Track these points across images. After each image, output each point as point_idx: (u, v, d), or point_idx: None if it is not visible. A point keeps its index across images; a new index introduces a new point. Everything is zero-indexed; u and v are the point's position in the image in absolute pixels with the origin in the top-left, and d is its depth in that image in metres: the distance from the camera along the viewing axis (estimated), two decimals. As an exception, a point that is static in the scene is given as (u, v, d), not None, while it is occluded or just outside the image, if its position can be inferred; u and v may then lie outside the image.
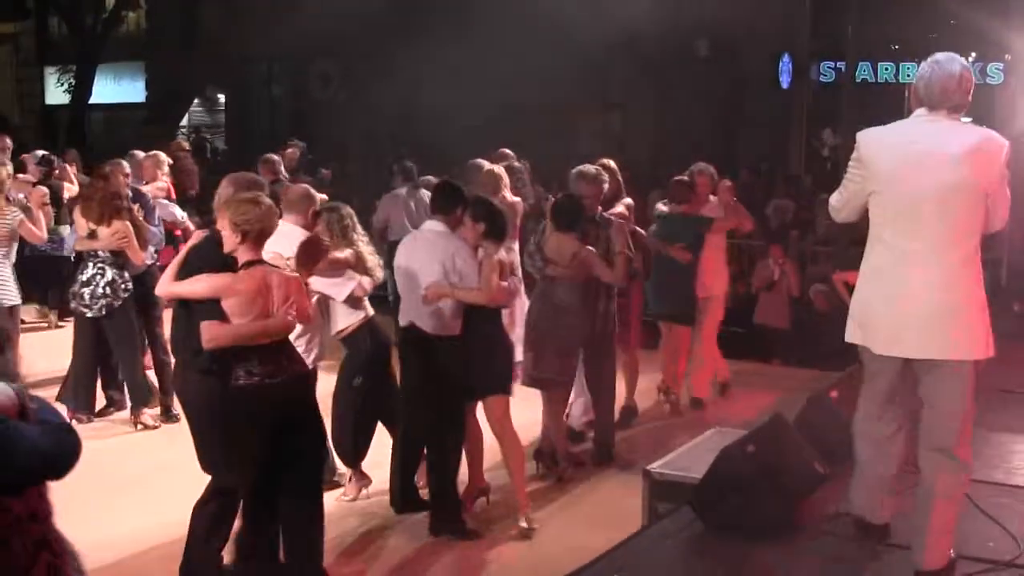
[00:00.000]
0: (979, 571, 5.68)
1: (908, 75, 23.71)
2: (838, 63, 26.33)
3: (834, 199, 5.98)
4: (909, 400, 5.82)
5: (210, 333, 6.19)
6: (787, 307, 14.61)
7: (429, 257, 7.85)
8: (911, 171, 5.51)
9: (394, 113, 24.78)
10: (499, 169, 10.83)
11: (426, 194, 13.81)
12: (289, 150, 15.37)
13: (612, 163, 10.63)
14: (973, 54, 26.18)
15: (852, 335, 5.83)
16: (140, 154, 11.85)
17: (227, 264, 6.33)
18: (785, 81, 27.10)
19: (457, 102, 23.42)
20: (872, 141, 5.70)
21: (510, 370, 8.35)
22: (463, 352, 7.94)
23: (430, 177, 14.35)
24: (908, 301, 5.51)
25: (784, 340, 14.44)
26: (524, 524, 8.01)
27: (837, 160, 24.37)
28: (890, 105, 7.41)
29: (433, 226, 8.03)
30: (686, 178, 11.12)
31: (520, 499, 8.18)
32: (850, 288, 12.19)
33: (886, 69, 26.48)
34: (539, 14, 21.98)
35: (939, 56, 5.68)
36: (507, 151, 12.16)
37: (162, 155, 11.02)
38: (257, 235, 6.29)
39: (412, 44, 23.59)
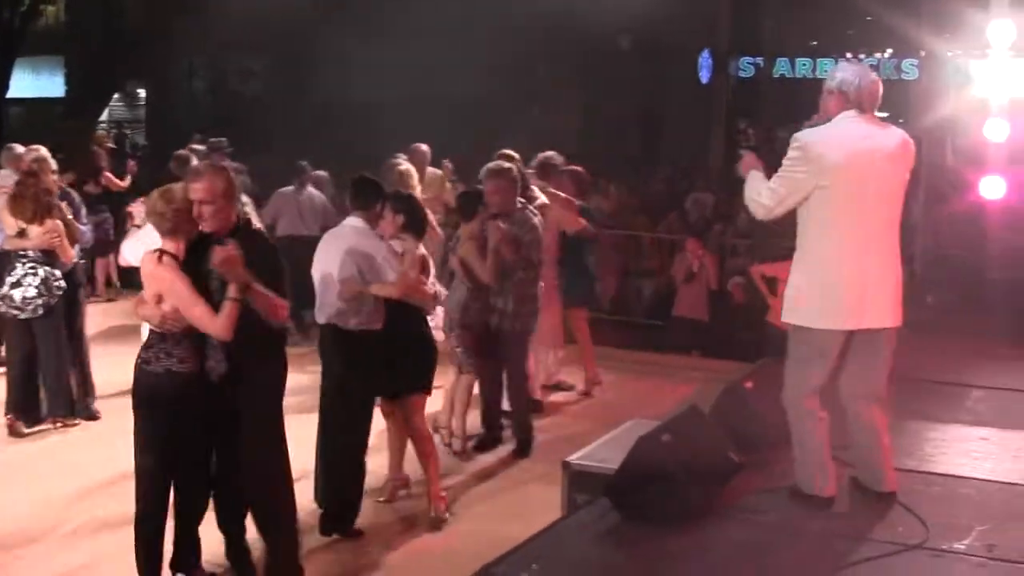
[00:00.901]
0: (888, 553, 5.79)
1: (825, 70, 23.93)
2: (757, 59, 26.58)
3: (767, 199, 6.38)
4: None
5: None
6: (706, 300, 14.73)
7: (345, 253, 7.78)
8: (859, 165, 6.22)
9: (317, 108, 24.67)
10: (411, 168, 10.92)
11: (314, 192, 14.08)
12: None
13: (514, 154, 10.74)
14: (889, 50, 26.52)
15: (804, 319, 6.33)
16: (18, 148, 11.68)
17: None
18: (705, 76, 27.32)
19: (381, 97, 23.37)
20: (819, 141, 6.27)
21: (431, 368, 8.39)
22: (385, 348, 7.90)
23: (321, 172, 14.54)
24: (867, 279, 6.23)
25: (703, 332, 14.56)
26: (434, 515, 8.18)
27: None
28: (808, 100, 7.54)
29: (352, 222, 7.97)
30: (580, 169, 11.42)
31: (433, 492, 8.26)
32: (767, 280, 12.45)
33: (803, 65, 26.72)
34: (463, 8, 22.00)
35: (853, 66, 6.55)
36: (422, 146, 12.18)
37: (42, 151, 10.64)
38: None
39: (335, 38, 23.46)
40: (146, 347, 6.45)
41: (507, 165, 9.81)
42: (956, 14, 15.33)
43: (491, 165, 9.78)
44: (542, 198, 10.50)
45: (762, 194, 6.38)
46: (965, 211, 14.23)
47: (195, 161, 11.38)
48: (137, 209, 9.42)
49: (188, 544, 6.83)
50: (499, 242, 9.25)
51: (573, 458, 7.23)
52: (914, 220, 14.73)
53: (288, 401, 7.01)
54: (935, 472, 7.11)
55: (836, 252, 6.24)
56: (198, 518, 6.82)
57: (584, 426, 10.12)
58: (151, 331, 6.46)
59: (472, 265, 9.27)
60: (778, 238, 14.71)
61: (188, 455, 6.57)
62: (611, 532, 6.09)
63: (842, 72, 6.44)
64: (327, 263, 7.86)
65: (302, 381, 8.83)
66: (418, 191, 10.81)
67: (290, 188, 14.32)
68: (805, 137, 6.29)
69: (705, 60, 27.14)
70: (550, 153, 11.40)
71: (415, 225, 8.16)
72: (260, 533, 6.97)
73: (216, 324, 6.25)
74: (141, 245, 8.23)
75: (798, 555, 5.90)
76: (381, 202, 8.05)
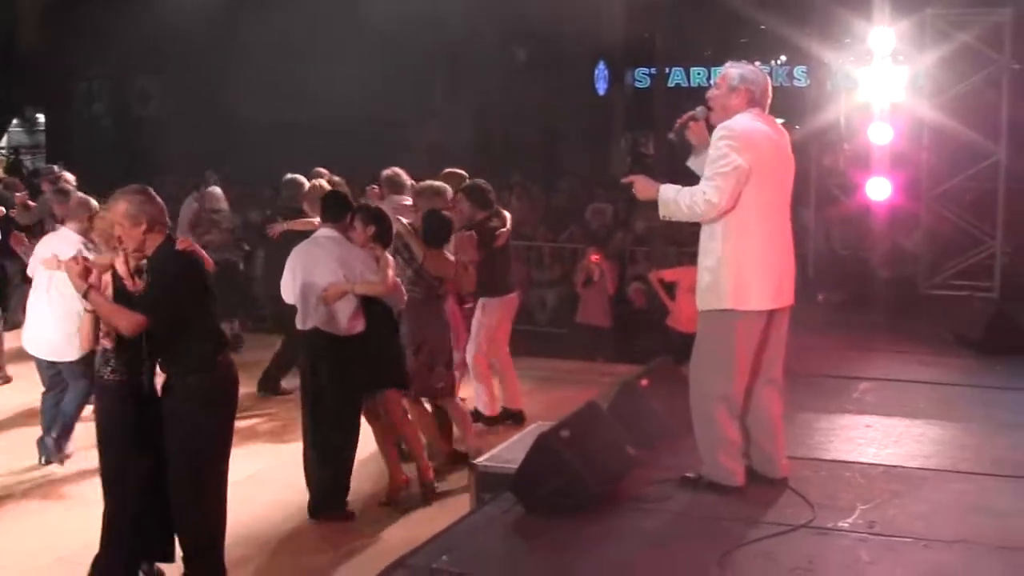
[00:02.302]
0: (778, 533, 6.13)
1: (719, 79, 24.36)
2: (652, 69, 26.99)
3: (713, 196, 6.43)
4: None
5: None
6: (608, 307, 15.02)
7: (327, 261, 8.32)
8: (778, 157, 6.66)
9: (216, 129, 24.67)
10: (325, 185, 11.16)
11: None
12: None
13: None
14: (783, 57, 27.09)
15: (738, 303, 6.56)
16: None
17: None
18: (601, 88, 27.73)
19: (278, 116, 23.45)
20: (750, 131, 6.53)
21: (405, 365, 8.96)
22: (368, 348, 8.42)
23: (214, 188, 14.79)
24: (784, 262, 6.70)
25: (607, 338, 14.84)
26: (425, 483, 8.92)
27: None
28: (703, 108, 7.91)
29: (326, 233, 8.51)
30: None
31: (424, 467, 8.92)
32: (667, 285, 12.80)
33: (698, 74, 27.21)
34: (357, 25, 22.15)
35: (748, 65, 6.80)
36: (322, 170, 12.36)
37: None
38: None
39: (233, 59, 23.49)
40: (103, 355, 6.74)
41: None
42: (843, 23, 15.81)
43: (438, 185, 10.16)
44: (508, 216, 10.76)
45: (706, 193, 6.43)
46: (854, 212, 14.73)
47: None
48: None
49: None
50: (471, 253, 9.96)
51: (480, 460, 7.55)
52: (806, 222, 15.20)
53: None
54: (823, 459, 7.49)
55: (765, 235, 6.55)
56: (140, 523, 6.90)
57: (493, 431, 10.40)
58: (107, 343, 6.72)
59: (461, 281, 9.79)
60: (675, 245, 15.15)
61: (122, 463, 6.76)
62: (516, 524, 6.37)
63: (741, 70, 6.70)
64: (310, 272, 8.31)
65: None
66: None
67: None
68: (737, 127, 6.50)
69: (601, 72, 27.57)
70: (397, 169, 11.51)
71: (384, 235, 8.64)
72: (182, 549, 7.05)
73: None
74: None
75: (695, 540, 6.17)
76: (351, 214, 8.55)
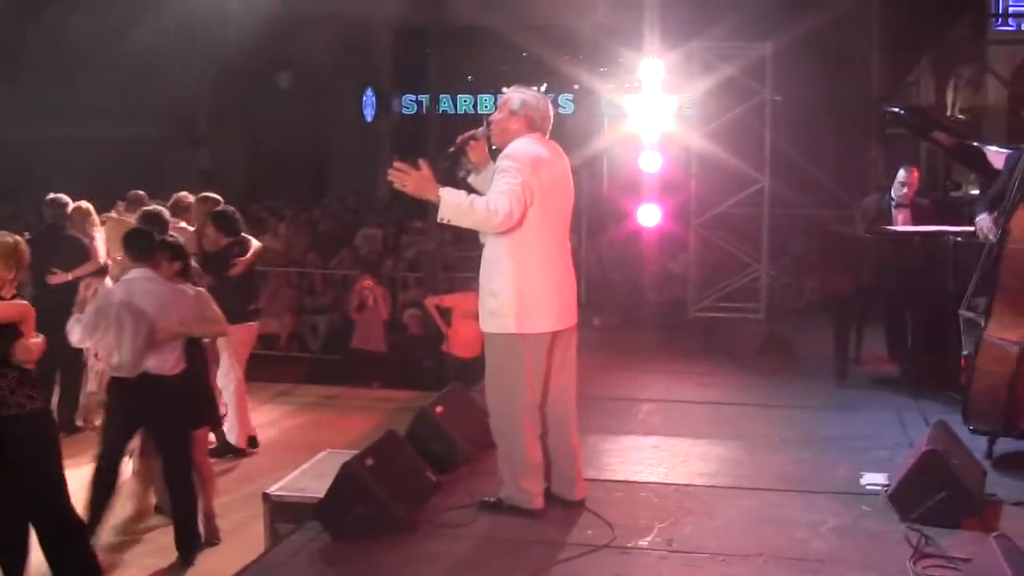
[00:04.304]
0: (580, 554, 6.26)
1: (486, 106, 24.72)
2: (420, 96, 27.15)
3: (506, 205, 6.39)
4: None
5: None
6: (382, 332, 15.04)
7: (156, 304, 7.93)
8: (558, 182, 6.73)
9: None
10: (86, 205, 10.96)
11: None
12: None
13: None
14: (545, 84, 27.51)
15: (525, 326, 6.64)
16: None
17: None
18: (369, 114, 27.77)
19: (39, 138, 22.76)
20: (532, 156, 6.57)
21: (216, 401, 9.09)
22: (190, 384, 8.24)
23: None
24: (566, 284, 6.81)
25: (382, 364, 14.85)
26: (212, 537, 8.54)
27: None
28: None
29: (143, 274, 8.05)
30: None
31: (212, 514, 8.63)
32: (443, 311, 12.87)
33: (464, 101, 27.42)
34: (123, 47, 21.68)
35: (530, 90, 6.83)
36: (140, 192, 12.07)
37: None
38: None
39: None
40: (11, 392, 6.46)
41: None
42: (611, 52, 16.19)
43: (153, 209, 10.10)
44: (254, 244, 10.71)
45: (501, 204, 6.38)
46: (623, 238, 15.12)
47: None
48: None
49: None
50: None
51: (272, 490, 7.48)
52: (576, 247, 15.49)
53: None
54: (616, 479, 7.68)
55: (547, 258, 6.65)
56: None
57: (276, 459, 10.28)
58: (11, 371, 6.45)
59: None
60: (445, 270, 15.27)
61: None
62: (323, 553, 6.36)
63: (523, 95, 6.74)
64: (139, 317, 7.89)
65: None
66: (100, 229, 10.88)
67: None
68: (520, 152, 6.54)
69: (369, 98, 27.60)
70: (183, 193, 11.44)
71: (187, 269, 8.47)
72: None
73: None
74: None
75: (500, 563, 6.26)
76: (159, 251, 8.24)
